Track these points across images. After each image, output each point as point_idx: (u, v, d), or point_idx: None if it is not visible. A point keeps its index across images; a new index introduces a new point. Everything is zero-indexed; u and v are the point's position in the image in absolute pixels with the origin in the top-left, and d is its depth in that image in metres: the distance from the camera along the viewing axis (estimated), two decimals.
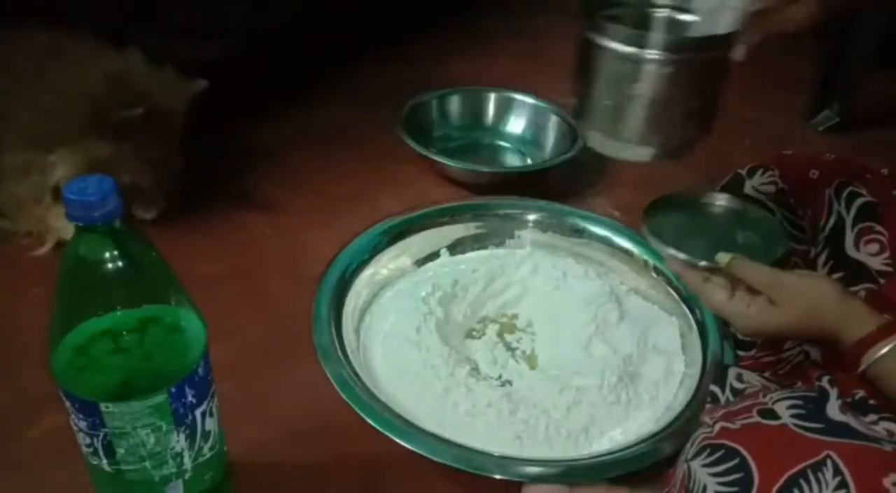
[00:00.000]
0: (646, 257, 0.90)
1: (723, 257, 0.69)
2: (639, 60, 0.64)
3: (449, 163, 1.11)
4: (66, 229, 0.91)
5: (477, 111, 1.29)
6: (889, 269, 0.72)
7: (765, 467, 0.51)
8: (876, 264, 0.73)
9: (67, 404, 0.52)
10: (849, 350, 0.61)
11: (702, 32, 0.69)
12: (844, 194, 0.77)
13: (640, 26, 0.69)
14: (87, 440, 0.53)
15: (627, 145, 0.69)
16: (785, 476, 0.49)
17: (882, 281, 0.72)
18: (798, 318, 0.64)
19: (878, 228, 0.74)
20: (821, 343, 0.67)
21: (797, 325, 0.64)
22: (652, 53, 0.63)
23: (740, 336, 0.78)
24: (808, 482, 0.48)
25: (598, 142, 0.71)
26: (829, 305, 0.62)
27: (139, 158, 0.91)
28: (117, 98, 0.88)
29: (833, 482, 0.48)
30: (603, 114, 0.69)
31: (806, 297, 0.63)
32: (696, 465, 0.55)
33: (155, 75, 0.93)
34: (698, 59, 0.64)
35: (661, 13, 0.72)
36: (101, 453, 0.53)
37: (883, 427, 0.54)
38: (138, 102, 0.88)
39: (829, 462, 0.49)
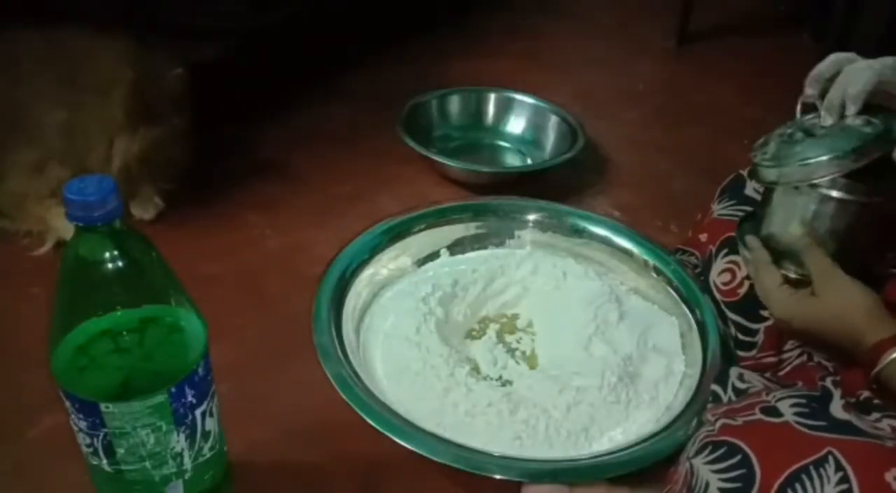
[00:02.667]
0: (646, 256, 0.90)
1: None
2: (821, 198, 0.68)
3: (449, 163, 1.11)
4: (66, 229, 0.91)
5: (477, 111, 1.29)
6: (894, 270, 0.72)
7: (767, 463, 0.51)
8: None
9: (67, 404, 0.52)
10: (866, 354, 0.62)
11: None
12: None
13: None
14: (87, 440, 0.53)
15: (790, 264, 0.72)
16: (787, 472, 0.49)
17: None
18: (829, 314, 0.66)
19: None
20: (836, 350, 0.67)
21: (826, 320, 0.66)
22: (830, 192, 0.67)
23: (741, 336, 0.78)
24: (811, 478, 0.49)
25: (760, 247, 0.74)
26: (859, 311, 0.64)
27: (175, 135, 0.95)
28: (148, 83, 0.90)
29: (835, 478, 0.48)
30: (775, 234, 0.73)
31: (844, 297, 0.65)
32: (698, 462, 0.55)
33: (155, 57, 0.94)
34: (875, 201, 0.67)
35: None
36: (101, 453, 0.53)
37: (887, 424, 0.54)
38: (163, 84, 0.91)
39: (830, 458, 0.49)
